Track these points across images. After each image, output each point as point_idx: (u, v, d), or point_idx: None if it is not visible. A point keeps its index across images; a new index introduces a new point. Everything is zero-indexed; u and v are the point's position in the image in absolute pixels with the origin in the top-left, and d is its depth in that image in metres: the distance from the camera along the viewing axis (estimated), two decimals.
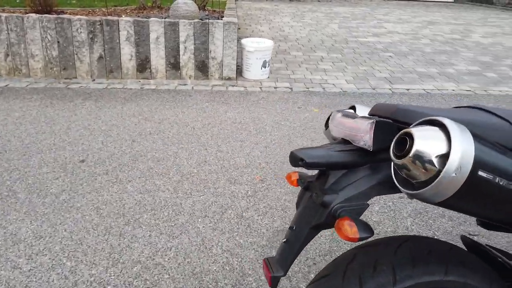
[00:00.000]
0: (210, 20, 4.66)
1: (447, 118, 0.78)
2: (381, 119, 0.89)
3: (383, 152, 0.90)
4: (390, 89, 4.78)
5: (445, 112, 0.89)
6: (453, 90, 4.81)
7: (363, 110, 1.14)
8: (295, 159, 0.90)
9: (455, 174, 0.72)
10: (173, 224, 2.10)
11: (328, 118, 1.14)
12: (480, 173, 0.76)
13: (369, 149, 0.88)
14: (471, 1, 13.85)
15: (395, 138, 0.81)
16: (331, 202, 0.88)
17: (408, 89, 4.78)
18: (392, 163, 0.87)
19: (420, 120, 0.83)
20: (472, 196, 0.79)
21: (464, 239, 1.20)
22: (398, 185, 0.83)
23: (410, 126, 0.83)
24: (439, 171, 0.72)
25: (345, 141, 0.99)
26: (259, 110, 3.89)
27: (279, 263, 0.97)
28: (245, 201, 2.32)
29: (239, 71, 5.02)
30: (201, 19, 4.89)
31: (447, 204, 0.82)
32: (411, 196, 0.80)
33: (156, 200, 2.31)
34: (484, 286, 0.90)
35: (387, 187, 0.94)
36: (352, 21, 8.78)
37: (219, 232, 2.05)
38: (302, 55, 6.01)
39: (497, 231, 1.10)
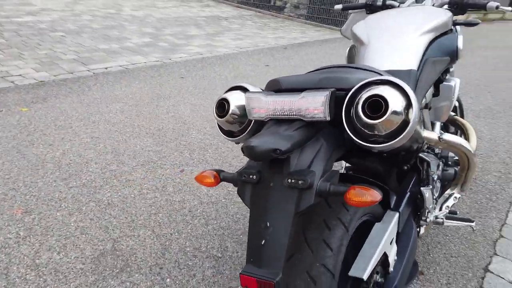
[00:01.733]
0: None
1: (391, 77, 0.95)
2: (332, 90, 0.97)
3: (334, 121, 0.97)
4: (88, 70, 4.48)
5: (373, 73, 1.06)
6: (145, 62, 5.08)
7: (252, 88, 1.15)
8: (267, 151, 0.85)
9: (416, 120, 0.92)
10: None
11: (222, 106, 1.08)
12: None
13: (325, 119, 0.93)
14: None
15: (366, 102, 0.90)
16: (314, 181, 0.89)
17: (106, 68, 4.64)
18: (347, 126, 0.95)
19: (364, 83, 0.95)
20: (415, 135, 1.03)
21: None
22: (362, 143, 0.94)
23: (354, 89, 0.93)
24: (408, 122, 0.90)
25: (278, 121, 0.99)
26: None
27: (272, 268, 0.88)
28: None
29: None
30: None
31: (402, 148, 1.03)
32: (378, 149, 0.95)
33: None
34: None
35: (341, 151, 1.05)
36: None
37: None
38: None
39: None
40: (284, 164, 0.91)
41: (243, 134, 1.09)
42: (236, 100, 1.07)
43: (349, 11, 2.14)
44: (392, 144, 0.89)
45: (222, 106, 1.09)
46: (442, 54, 1.55)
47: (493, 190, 2.48)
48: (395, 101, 0.86)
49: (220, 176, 1.03)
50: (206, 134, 3.03)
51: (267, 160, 0.90)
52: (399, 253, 1.26)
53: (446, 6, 1.87)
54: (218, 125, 1.17)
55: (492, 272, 1.78)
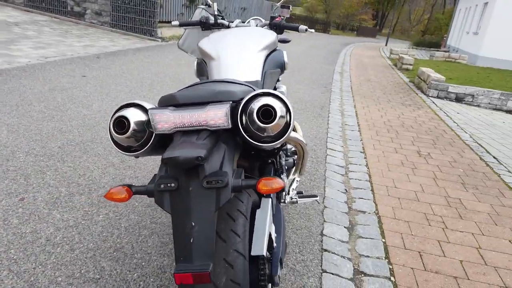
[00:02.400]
0: None
1: (272, 90, 1.21)
2: (230, 103, 1.15)
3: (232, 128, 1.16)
4: None
5: (246, 87, 1.28)
6: None
7: (147, 105, 1.23)
8: (191, 159, 0.98)
9: (292, 123, 1.20)
10: None
11: (121, 123, 1.13)
12: None
13: (228, 127, 1.12)
14: None
15: (260, 110, 1.13)
16: (228, 180, 1.05)
17: None
18: (243, 130, 1.16)
19: (253, 94, 1.18)
20: None
21: None
22: (256, 143, 1.16)
23: (245, 100, 1.15)
24: (289, 124, 1.17)
25: (185, 132, 1.12)
26: None
27: (204, 261, 1.00)
28: None
29: None
30: None
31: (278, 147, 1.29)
32: (268, 148, 1.19)
33: None
34: None
35: (238, 152, 1.24)
36: None
37: None
38: None
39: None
40: (199, 169, 1.04)
41: (145, 148, 1.15)
42: (134, 116, 1.13)
43: (185, 27, 2.33)
44: (280, 142, 1.14)
45: (121, 124, 1.12)
46: (275, 66, 1.92)
47: (310, 172, 3.10)
48: (280, 109, 1.11)
49: (132, 190, 1.07)
50: (38, 156, 2.72)
51: (188, 167, 1.01)
52: (276, 231, 1.55)
53: (267, 27, 2.28)
54: (115, 142, 1.18)
55: (326, 235, 2.29)
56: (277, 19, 2.18)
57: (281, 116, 1.11)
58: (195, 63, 2.07)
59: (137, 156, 1.21)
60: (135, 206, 2.29)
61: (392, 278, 1.99)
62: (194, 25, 2.26)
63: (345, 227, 2.42)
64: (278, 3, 2.21)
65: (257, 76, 1.75)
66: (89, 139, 3.13)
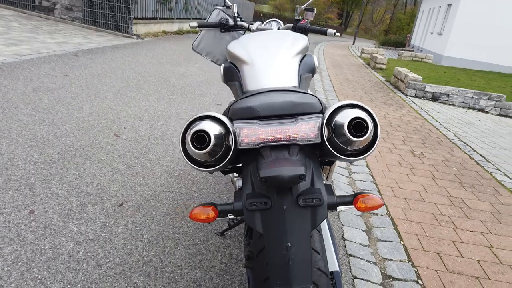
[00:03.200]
0: None
1: (359, 103, 1.17)
2: (321, 116, 1.09)
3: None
4: None
5: (312, 95, 1.24)
6: None
7: (223, 117, 1.15)
8: (294, 178, 0.93)
9: (379, 137, 1.17)
10: None
11: (201, 138, 1.05)
12: None
13: (317, 141, 1.08)
14: None
15: (350, 124, 1.07)
16: (323, 197, 1.01)
17: None
18: (331, 142, 1.10)
19: (337, 107, 1.13)
20: None
21: None
22: (342, 157, 1.09)
23: (329, 112, 1.12)
24: (376, 138, 1.13)
25: (271, 148, 1.07)
26: None
27: (304, 284, 0.97)
28: None
29: None
30: None
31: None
32: (351, 162, 1.15)
33: None
34: None
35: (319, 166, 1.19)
36: None
37: None
38: None
39: None
40: (292, 187, 0.99)
41: (223, 163, 1.08)
42: (213, 130, 1.06)
43: (200, 28, 2.25)
44: (367, 155, 1.10)
45: (200, 138, 1.05)
46: (307, 71, 1.89)
47: None
48: (370, 123, 1.06)
49: (217, 209, 1.01)
50: (38, 163, 2.55)
51: (290, 186, 0.96)
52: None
53: (291, 30, 2.25)
54: (188, 156, 1.11)
55: (347, 240, 2.29)
56: (302, 22, 2.15)
57: (371, 131, 1.06)
58: (222, 67, 2.00)
59: (212, 172, 1.13)
60: (153, 216, 2.19)
61: (420, 281, 2.01)
62: (213, 27, 2.18)
63: (362, 230, 2.43)
64: (303, 6, 2.17)
65: (294, 81, 1.71)
66: (88, 144, 2.97)
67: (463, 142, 4.73)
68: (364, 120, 1.04)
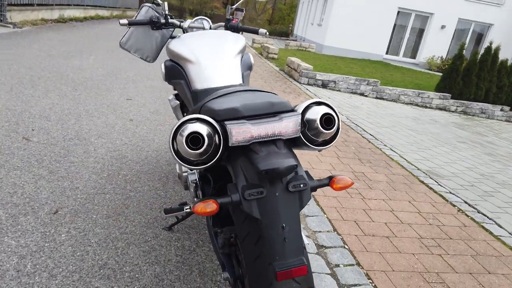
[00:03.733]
0: None
1: (324, 100, 1.36)
2: (299, 114, 1.25)
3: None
4: None
5: (275, 95, 1.40)
6: None
7: (209, 119, 1.25)
8: (289, 169, 1.09)
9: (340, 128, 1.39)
10: None
11: (196, 139, 1.15)
12: None
13: (297, 135, 1.25)
14: None
15: (322, 118, 1.26)
16: (307, 182, 1.19)
17: None
18: (304, 135, 1.28)
19: (308, 104, 1.31)
20: None
21: None
22: (311, 145, 1.29)
23: (301, 109, 1.29)
24: (339, 128, 1.35)
25: (260, 143, 1.20)
26: None
27: (299, 256, 1.13)
28: None
29: None
30: None
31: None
32: (320, 150, 1.35)
33: None
34: None
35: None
36: None
37: None
38: None
39: None
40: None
41: (214, 160, 1.18)
42: (204, 131, 1.15)
43: (128, 26, 2.24)
44: (333, 144, 1.32)
45: (195, 139, 1.14)
46: (247, 69, 2.05)
47: None
48: (336, 116, 1.28)
49: (218, 202, 1.12)
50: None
51: (286, 176, 1.11)
52: None
53: (222, 28, 2.36)
54: (182, 158, 1.18)
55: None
56: (233, 21, 2.28)
57: (338, 123, 1.27)
58: (163, 66, 2.03)
59: (203, 170, 1.22)
60: (94, 219, 2.14)
61: (346, 246, 2.37)
62: (144, 24, 2.19)
63: None
64: (233, 6, 2.30)
65: (239, 79, 1.87)
66: None
67: (354, 123, 5.41)
68: (332, 115, 1.25)
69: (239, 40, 1.99)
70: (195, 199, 1.82)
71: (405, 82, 9.97)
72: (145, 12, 2.31)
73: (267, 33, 2.29)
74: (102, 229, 2.07)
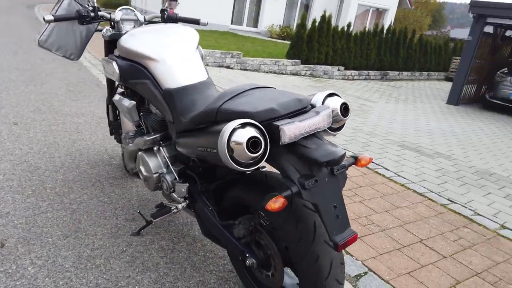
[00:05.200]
0: None
1: (335, 92, 1.52)
2: (329, 107, 1.42)
3: None
4: None
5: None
6: None
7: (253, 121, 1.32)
8: (343, 157, 1.25)
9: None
10: None
11: (255, 143, 1.23)
12: None
13: (329, 126, 1.41)
14: None
15: (342, 107, 1.45)
16: (346, 164, 1.36)
17: None
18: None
19: (326, 95, 1.48)
20: None
21: None
22: (331, 132, 1.47)
23: (324, 102, 1.45)
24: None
25: (306, 137, 1.32)
26: None
27: (348, 228, 1.32)
28: None
29: None
30: None
31: None
32: (335, 135, 1.54)
33: None
34: None
35: None
36: None
37: None
38: None
39: None
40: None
41: (264, 159, 1.26)
42: (257, 134, 1.24)
43: (48, 22, 2.01)
44: (342, 130, 1.52)
45: (255, 144, 1.21)
46: (203, 62, 2.08)
47: None
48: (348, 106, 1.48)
49: (284, 196, 1.23)
50: None
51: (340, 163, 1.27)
52: None
53: (158, 19, 2.28)
54: (238, 161, 1.24)
55: None
56: (170, 12, 2.22)
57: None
58: (116, 65, 1.90)
59: (255, 169, 1.30)
60: (54, 242, 1.93)
61: None
62: (71, 19, 1.97)
63: None
64: None
65: (205, 74, 1.91)
66: None
67: None
68: (347, 105, 1.46)
69: (193, 34, 1.99)
70: (181, 198, 1.84)
71: (258, 51, 10.68)
72: (67, 4, 2.06)
73: (208, 23, 2.31)
74: (69, 250, 1.90)
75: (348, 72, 10.77)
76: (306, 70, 9.82)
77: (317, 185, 1.28)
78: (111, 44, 2.22)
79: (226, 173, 1.77)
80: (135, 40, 1.86)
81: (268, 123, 1.29)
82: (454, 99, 9.06)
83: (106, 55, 2.26)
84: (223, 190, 1.71)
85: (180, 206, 1.82)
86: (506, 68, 9.16)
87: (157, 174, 1.93)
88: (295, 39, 9.90)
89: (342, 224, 1.31)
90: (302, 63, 9.72)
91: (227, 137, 1.21)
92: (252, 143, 1.21)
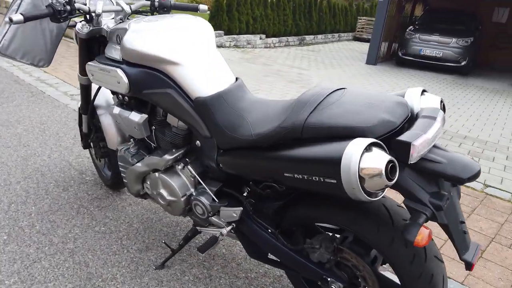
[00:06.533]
0: None
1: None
2: (440, 109, 1.22)
3: None
4: None
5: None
6: None
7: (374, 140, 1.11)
8: (480, 171, 1.09)
9: None
10: None
11: (393, 168, 1.05)
12: None
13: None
14: None
15: (442, 106, 1.24)
16: None
17: None
18: None
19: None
20: None
21: None
22: None
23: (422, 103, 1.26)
24: None
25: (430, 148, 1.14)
26: None
27: (471, 242, 1.22)
28: None
29: None
30: None
31: None
32: None
33: None
34: None
35: None
36: None
37: None
38: None
39: None
40: None
41: (394, 179, 1.04)
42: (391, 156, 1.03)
43: (10, 23, 1.54)
44: None
45: (392, 169, 1.02)
46: None
47: None
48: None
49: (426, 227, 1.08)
50: None
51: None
52: None
53: (147, 8, 1.89)
54: (367, 191, 1.04)
55: None
56: None
57: None
58: (124, 74, 1.52)
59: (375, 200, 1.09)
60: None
61: None
62: (44, 17, 1.52)
63: None
64: None
65: (232, 76, 1.64)
66: None
67: None
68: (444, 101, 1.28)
69: (208, 26, 1.67)
70: (223, 222, 1.59)
71: None
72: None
73: (208, 10, 1.97)
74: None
75: (269, 40, 10.70)
76: (230, 41, 9.50)
77: (447, 203, 1.14)
78: (89, 44, 1.79)
79: (287, 191, 1.53)
80: (145, 40, 1.49)
81: (386, 138, 1.10)
82: (373, 59, 9.55)
83: (82, 58, 1.82)
84: (287, 210, 1.50)
85: (225, 231, 1.57)
86: (412, 26, 9.90)
87: (185, 197, 1.64)
88: (214, 8, 9.43)
89: (468, 239, 1.21)
90: (225, 34, 9.37)
91: (357, 164, 1.00)
92: (391, 168, 1.02)
